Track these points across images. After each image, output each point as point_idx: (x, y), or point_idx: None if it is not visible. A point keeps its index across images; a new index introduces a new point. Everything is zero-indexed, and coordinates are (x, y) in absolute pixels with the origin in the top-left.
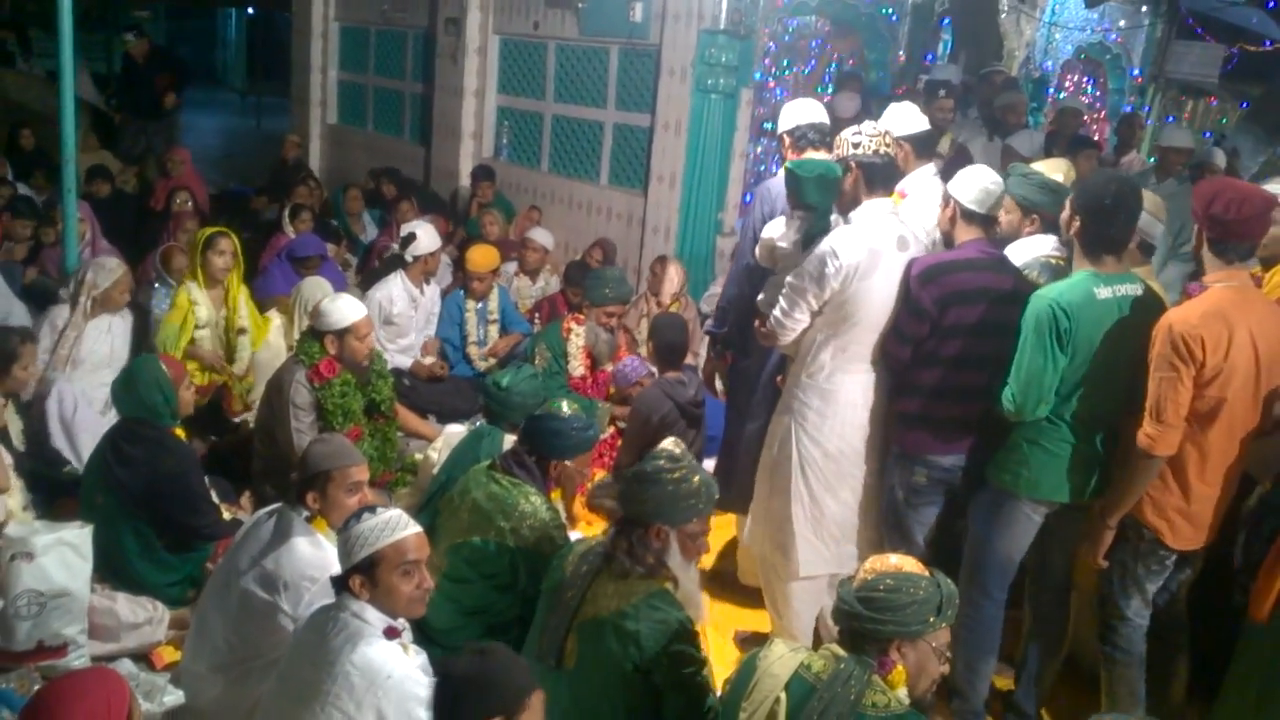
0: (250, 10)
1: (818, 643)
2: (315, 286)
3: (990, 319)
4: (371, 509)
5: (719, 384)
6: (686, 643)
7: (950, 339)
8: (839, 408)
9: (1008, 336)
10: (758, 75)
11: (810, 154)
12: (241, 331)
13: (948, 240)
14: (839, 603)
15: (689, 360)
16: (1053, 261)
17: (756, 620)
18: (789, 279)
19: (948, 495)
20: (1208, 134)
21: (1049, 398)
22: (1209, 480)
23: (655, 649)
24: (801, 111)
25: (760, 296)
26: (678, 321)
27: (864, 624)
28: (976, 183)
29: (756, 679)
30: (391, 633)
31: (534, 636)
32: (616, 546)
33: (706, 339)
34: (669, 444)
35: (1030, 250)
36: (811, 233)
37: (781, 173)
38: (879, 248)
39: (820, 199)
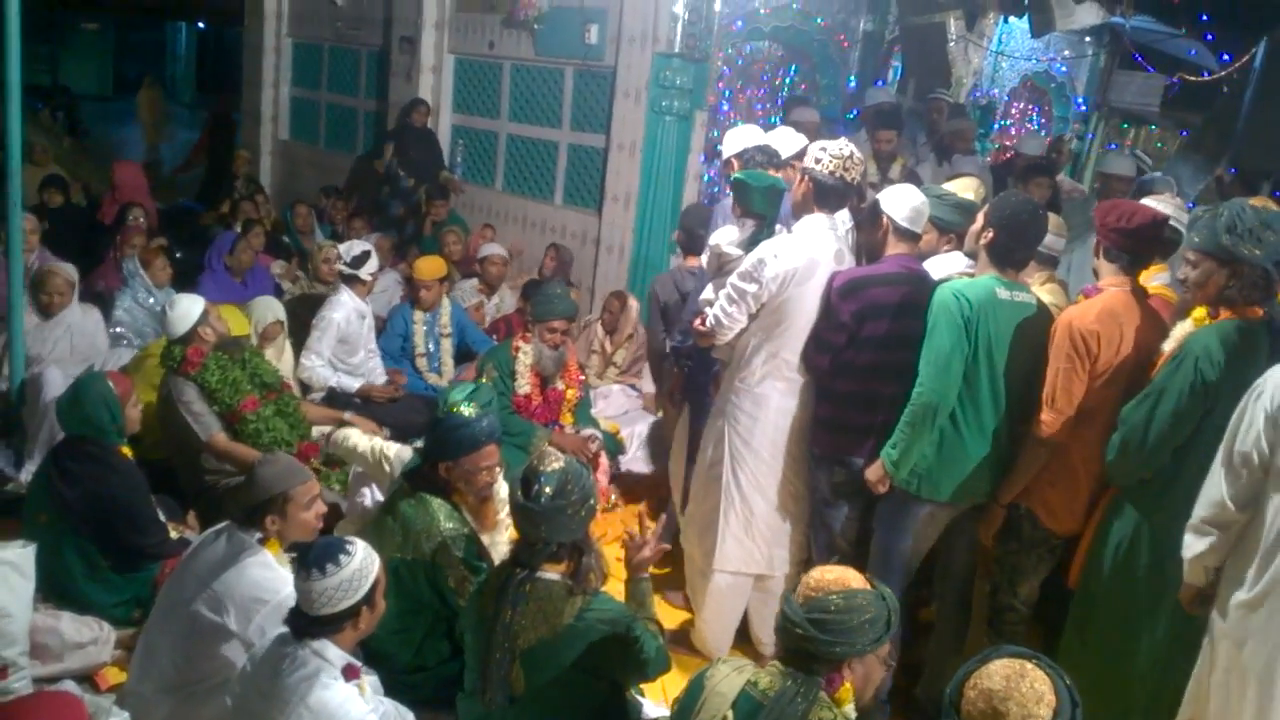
0: (201, 24)
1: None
2: (266, 307)
3: (903, 332)
4: (333, 556)
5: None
6: (633, 629)
7: (866, 350)
8: (769, 412)
9: (918, 348)
10: (712, 98)
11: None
12: None
13: (874, 253)
14: (786, 622)
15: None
16: (966, 279)
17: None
18: (731, 279)
19: (866, 494)
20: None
21: (957, 382)
22: (1090, 470)
23: (609, 648)
24: (746, 136)
25: (702, 295)
26: (702, 212)
27: (818, 646)
28: (908, 201)
29: (704, 698)
30: (351, 672)
31: (472, 678)
32: (538, 570)
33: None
34: (553, 466)
35: (945, 267)
36: (758, 240)
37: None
38: (818, 258)
39: (767, 209)
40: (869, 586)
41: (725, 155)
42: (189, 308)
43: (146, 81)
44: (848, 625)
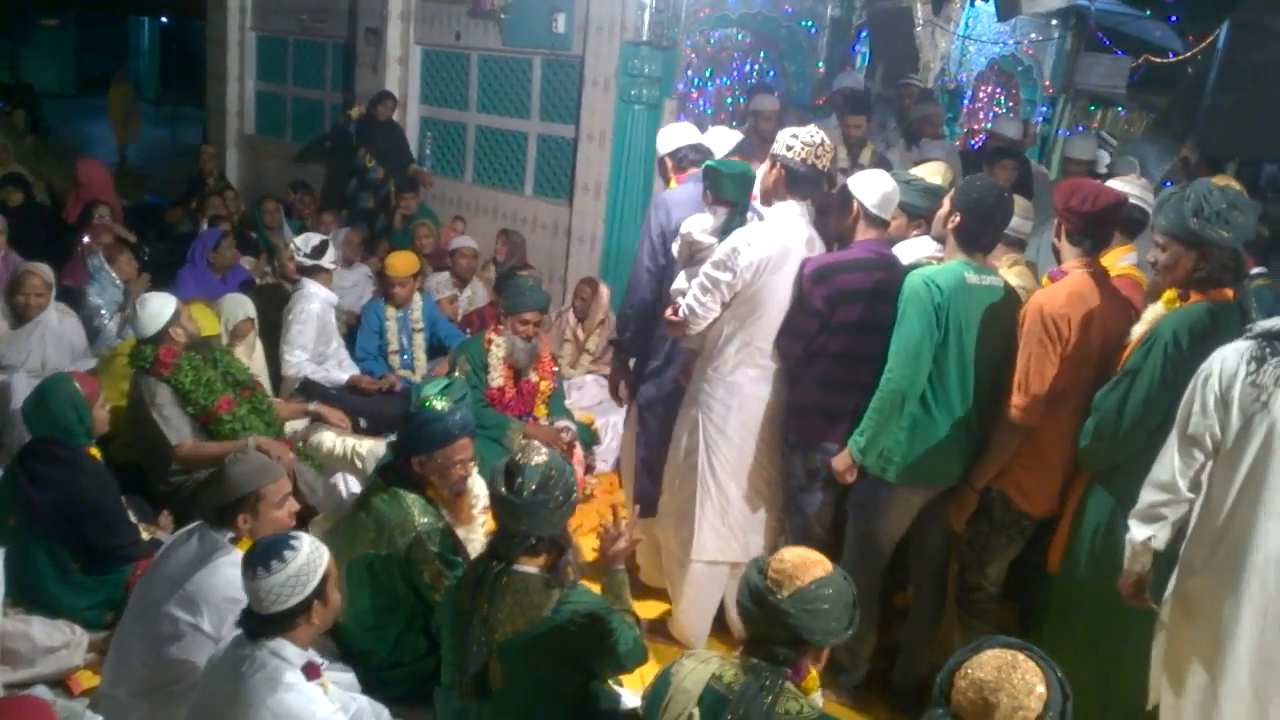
0: (164, 19)
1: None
2: (236, 304)
3: (875, 317)
4: (278, 552)
5: (623, 392)
6: (609, 621)
7: (838, 335)
8: (743, 399)
9: (890, 333)
10: (680, 86)
11: (692, 172)
12: None
13: (843, 238)
14: (771, 613)
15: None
16: (934, 263)
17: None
18: (704, 268)
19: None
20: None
21: (926, 370)
22: (1062, 453)
23: (586, 640)
24: (679, 135)
25: (674, 285)
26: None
27: (813, 635)
28: (878, 188)
29: (670, 695)
30: (312, 670)
31: (449, 672)
32: (515, 563)
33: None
34: (537, 460)
35: (914, 252)
36: (730, 227)
37: (672, 184)
38: (791, 245)
39: (738, 195)
40: (833, 567)
41: (659, 153)
42: (160, 308)
43: (117, 78)
44: (836, 612)
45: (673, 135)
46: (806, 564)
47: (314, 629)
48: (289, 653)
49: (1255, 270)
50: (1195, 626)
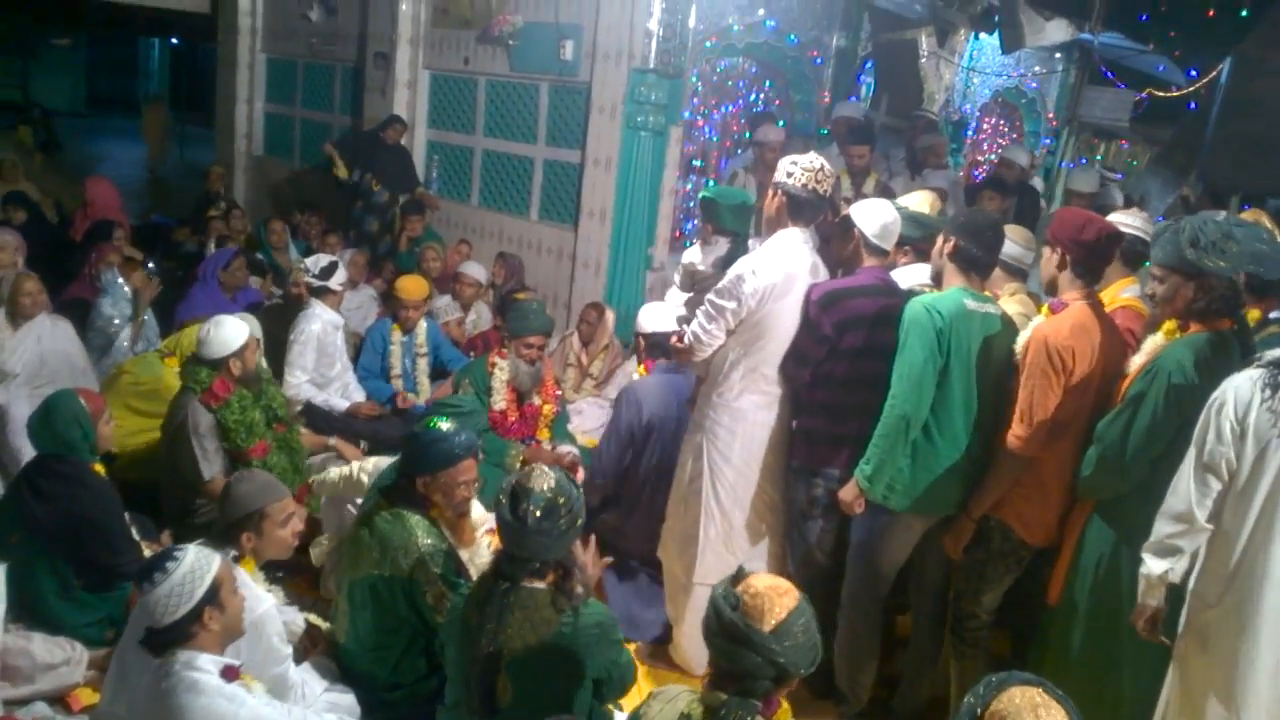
0: (175, 40)
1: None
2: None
3: (881, 342)
4: (160, 565)
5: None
6: (616, 633)
7: (844, 361)
8: (748, 425)
9: (893, 358)
10: (686, 114)
11: (661, 363)
12: None
13: (846, 264)
14: (763, 651)
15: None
16: (927, 290)
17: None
18: (709, 296)
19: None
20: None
21: (930, 396)
22: (1062, 482)
23: (596, 652)
24: (661, 319)
25: (679, 313)
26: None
27: (798, 669)
28: (879, 218)
29: None
30: (230, 673)
31: (455, 691)
32: (519, 581)
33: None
34: (543, 486)
35: (906, 279)
36: (732, 256)
37: (638, 376)
38: (794, 272)
39: (737, 225)
40: (798, 593)
41: (638, 328)
42: (231, 336)
43: (152, 99)
44: (811, 640)
45: (655, 317)
46: (779, 593)
47: (216, 635)
48: (202, 661)
49: (1273, 315)
50: (1211, 660)
